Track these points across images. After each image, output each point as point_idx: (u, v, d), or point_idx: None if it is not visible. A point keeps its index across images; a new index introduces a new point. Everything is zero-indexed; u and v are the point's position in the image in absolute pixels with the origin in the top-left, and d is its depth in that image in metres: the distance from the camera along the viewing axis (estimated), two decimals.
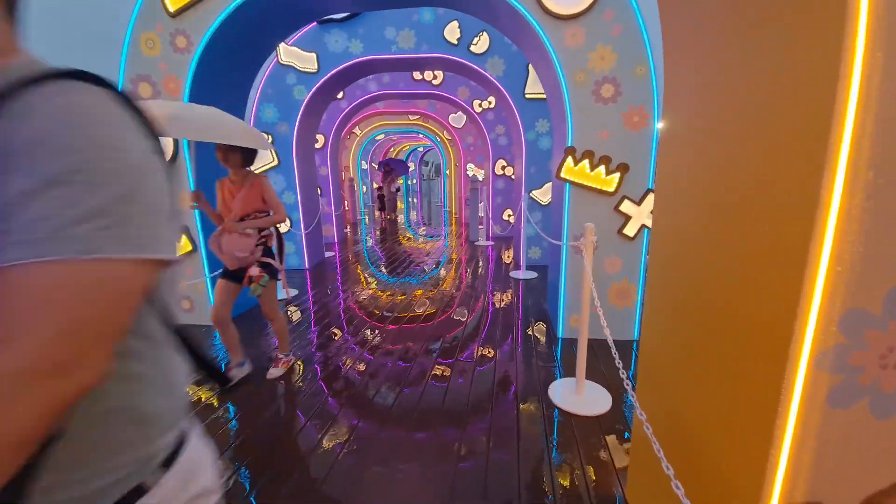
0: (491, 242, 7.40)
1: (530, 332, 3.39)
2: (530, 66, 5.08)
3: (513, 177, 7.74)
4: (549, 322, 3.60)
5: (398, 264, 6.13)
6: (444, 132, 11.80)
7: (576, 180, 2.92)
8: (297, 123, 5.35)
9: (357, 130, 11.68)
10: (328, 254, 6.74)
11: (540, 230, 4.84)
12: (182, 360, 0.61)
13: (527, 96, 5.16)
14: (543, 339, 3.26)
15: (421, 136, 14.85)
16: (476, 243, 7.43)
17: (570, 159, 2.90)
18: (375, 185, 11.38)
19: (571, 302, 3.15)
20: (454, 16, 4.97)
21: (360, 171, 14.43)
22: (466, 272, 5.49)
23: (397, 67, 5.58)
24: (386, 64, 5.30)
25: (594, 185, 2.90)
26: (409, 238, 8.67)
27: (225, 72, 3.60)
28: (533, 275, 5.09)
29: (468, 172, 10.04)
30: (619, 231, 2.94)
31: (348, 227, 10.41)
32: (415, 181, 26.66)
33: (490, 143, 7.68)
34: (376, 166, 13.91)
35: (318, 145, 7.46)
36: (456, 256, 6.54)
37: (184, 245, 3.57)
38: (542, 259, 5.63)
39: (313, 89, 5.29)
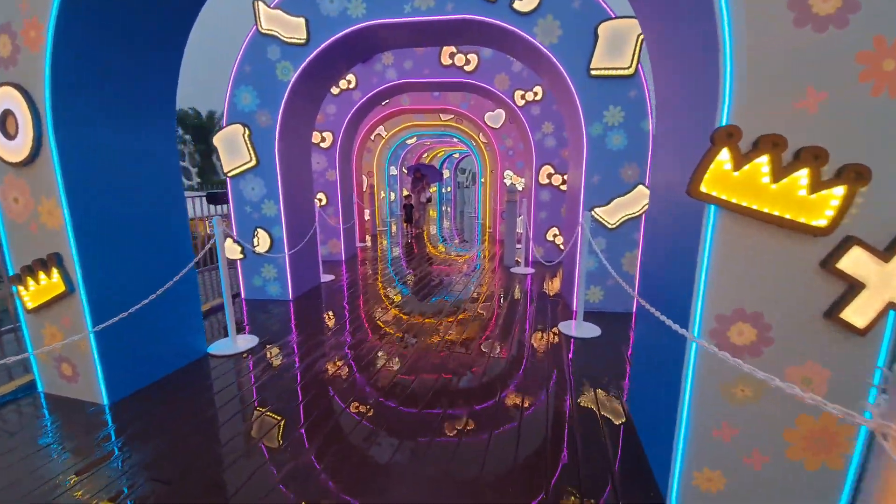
0: (531, 270, 5.82)
1: (605, 479, 1.83)
2: (601, 28, 3.52)
3: (562, 187, 6.16)
4: (641, 458, 2.00)
5: (407, 299, 4.70)
6: (480, 135, 10.37)
7: (735, 200, 1.35)
8: (280, 111, 4.09)
9: (382, 131, 10.49)
10: (326, 278, 5.43)
11: (605, 260, 3.24)
12: None
13: (592, 73, 3.61)
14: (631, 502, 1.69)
15: (455, 139, 13.52)
16: (512, 270, 5.88)
17: (724, 155, 1.34)
18: (405, 193, 10.09)
19: (703, 441, 1.56)
20: None
21: (387, 176, 13.29)
22: (496, 319, 3.96)
23: (413, 38, 4.20)
24: (396, 31, 3.94)
25: (780, 213, 1.32)
26: (433, 257, 7.25)
27: (127, 15, 2.34)
28: (594, 331, 3.49)
29: (505, 180, 8.52)
30: (831, 314, 1.34)
31: (368, 239, 9.17)
32: (449, 189, 25.51)
33: (534, 144, 6.15)
34: (406, 171, 12.62)
35: (324, 144, 6.24)
36: (486, 289, 5.02)
37: (55, 284, 2.31)
38: (604, 303, 4.01)
39: (302, 66, 4.01)
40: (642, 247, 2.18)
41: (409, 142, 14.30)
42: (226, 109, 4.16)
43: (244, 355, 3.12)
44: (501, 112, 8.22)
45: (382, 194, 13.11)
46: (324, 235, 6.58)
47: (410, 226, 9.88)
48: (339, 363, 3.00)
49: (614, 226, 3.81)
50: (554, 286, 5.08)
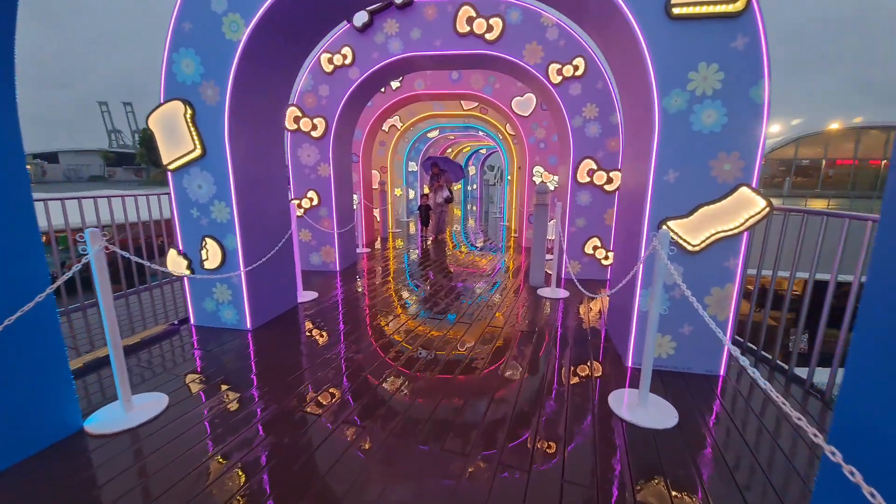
0: (563, 293, 4.57)
1: None
2: None
3: (606, 187, 4.87)
4: None
5: (400, 332, 3.59)
6: (507, 126, 9.13)
7: None
8: (230, 82, 3.05)
9: (397, 122, 9.43)
10: (307, 296, 4.40)
11: (691, 296, 1.99)
12: None
13: (675, 11, 2.34)
14: None
15: (481, 133, 12.32)
16: (540, 292, 4.65)
17: None
18: (426, 191, 8.92)
19: None
20: None
21: (405, 172, 12.27)
22: (513, 385, 2.78)
23: None
24: None
25: None
26: (448, 268, 6.12)
27: None
28: (666, 415, 2.24)
29: (534, 178, 7.26)
30: None
31: (378, 243, 8.15)
32: (475, 186, 24.33)
33: (572, 133, 4.88)
34: (421, 166, 11.42)
35: (315, 133, 5.21)
36: (503, 321, 3.83)
37: None
38: (676, 360, 2.73)
39: (255, 19, 2.96)
40: (861, 310, 0.94)
41: (430, 135, 13.22)
42: (163, 81, 3.16)
43: (157, 424, 2.10)
44: (532, 97, 6.96)
45: (398, 192, 12.10)
46: (316, 241, 5.59)
47: (427, 229, 8.73)
48: (295, 436, 1.91)
49: (698, 247, 2.54)
50: (594, 317, 3.82)
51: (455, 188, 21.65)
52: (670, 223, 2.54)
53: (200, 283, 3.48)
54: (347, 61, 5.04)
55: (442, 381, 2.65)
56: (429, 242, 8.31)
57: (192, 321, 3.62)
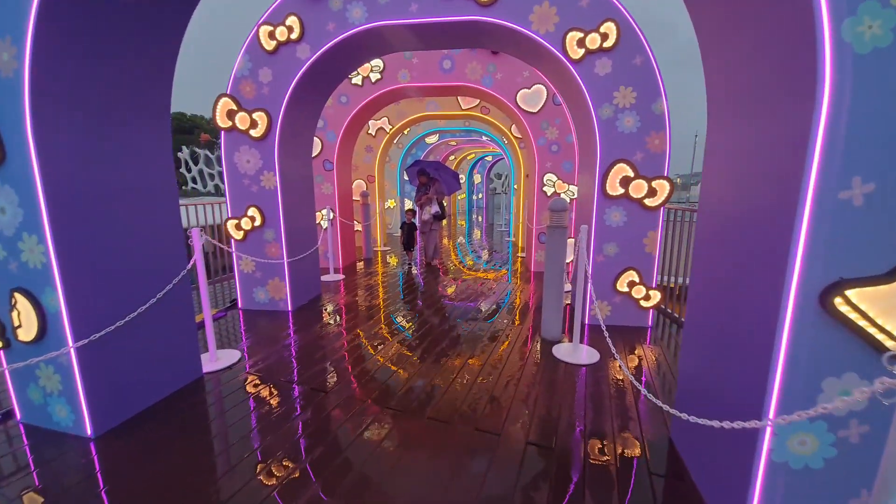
0: (590, 356, 3.17)
1: None
2: None
3: (648, 202, 3.52)
4: None
5: (350, 430, 2.24)
6: (513, 127, 7.83)
7: None
8: (29, 34, 1.79)
9: (385, 124, 8.18)
10: (226, 359, 3.08)
11: None
12: None
13: None
14: None
15: (485, 137, 11.04)
16: (555, 352, 3.27)
17: None
18: (407, 208, 7.52)
19: None
20: None
21: (398, 182, 11.02)
22: None
23: None
24: None
25: None
26: (436, 303, 4.78)
27: None
28: None
29: (545, 189, 5.92)
30: None
31: (361, 264, 6.87)
32: (481, 196, 23.06)
33: (598, 127, 3.54)
34: (405, 173, 9.90)
35: (255, 132, 3.95)
36: (499, 422, 2.47)
37: None
38: None
39: None
40: None
41: (428, 140, 12.01)
42: None
43: None
44: (541, 89, 5.67)
45: (391, 203, 10.85)
46: (261, 273, 4.30)
47: (411, 254, 7.24)
48: None
49: None
50: (638, 393, 2.43)
51: (459, 197, 20.34)
52: (851, 293, 1.18)
53: (18, 361, 2.19)
54: (294, 35, 3.78)
55: None
56: (420, 266, 6.91)
57: (17, 417, 2.33)
